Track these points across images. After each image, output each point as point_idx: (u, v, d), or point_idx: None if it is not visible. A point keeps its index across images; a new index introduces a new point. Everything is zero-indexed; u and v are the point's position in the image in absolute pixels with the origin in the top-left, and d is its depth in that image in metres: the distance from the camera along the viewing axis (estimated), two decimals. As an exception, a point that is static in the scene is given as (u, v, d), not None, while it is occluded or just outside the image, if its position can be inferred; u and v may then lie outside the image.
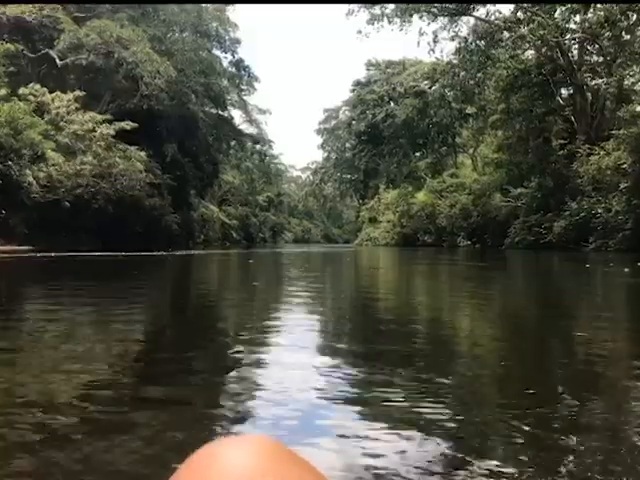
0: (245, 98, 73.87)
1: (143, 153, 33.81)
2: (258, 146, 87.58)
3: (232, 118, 68.75)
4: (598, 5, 38.73)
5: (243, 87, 67.55)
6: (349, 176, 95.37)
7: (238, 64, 60.84)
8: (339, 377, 3.92)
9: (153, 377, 4.14)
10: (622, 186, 30.98)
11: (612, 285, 13.18)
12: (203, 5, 49.73)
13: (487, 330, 6.68)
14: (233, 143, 72.48)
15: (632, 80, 39.80)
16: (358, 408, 3.28)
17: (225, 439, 0.58)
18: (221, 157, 65.89)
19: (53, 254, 22.73)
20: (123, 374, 4.15)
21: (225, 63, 59.27)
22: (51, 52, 37.17)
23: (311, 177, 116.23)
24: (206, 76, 50.70)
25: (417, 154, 76.49)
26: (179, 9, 44.96)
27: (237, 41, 56.54)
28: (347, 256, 35.52)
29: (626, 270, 15.73)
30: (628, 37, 36.11)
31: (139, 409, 3.27)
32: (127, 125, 32.22)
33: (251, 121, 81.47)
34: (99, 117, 32.53)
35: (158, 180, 37.93)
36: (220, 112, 60.89)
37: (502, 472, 2.36)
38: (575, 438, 2.76)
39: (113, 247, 27.82)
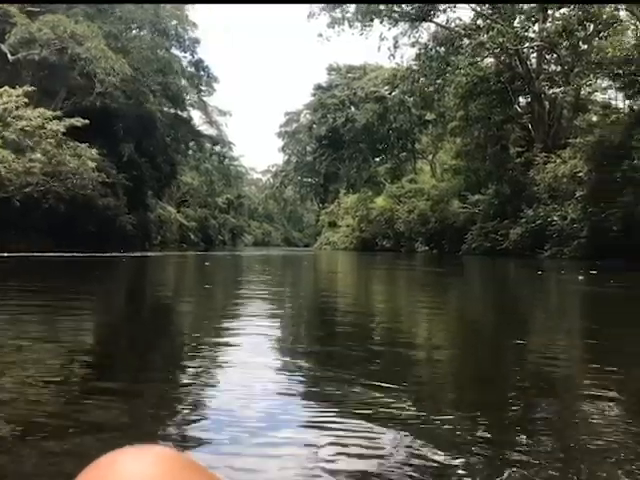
0: (205, 99, 73.18)
1: (95, 151, 32.80)
2: (218, 148, 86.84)
3: (191, 119, 67.88)
4: (556, 14, 39.22)
5: (202, 88, 66.59)
6: (309, 180, 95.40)
7: (197, 64, 59.92)
8: (294, 377, 4.05)
9: (107, 378, 4.14)
10: (578, 194, 31.20)
11: (560, 292, 13.17)
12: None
13: (440, 335, 6.73)
14: (192, 144, 71.54)
15: (589, 90, 40.31)
16: (314, 409, 3.31)
17: (124, 449, 0.59)
18: (179, 158, 64.93)
19: (6, 254, 22.09)
20: (72, 377, 4.08)
21: (184, 63, 58.52)
22: (2, 46, 36.09)
23: (271, 180, 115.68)
24: (164, 75, 49.63)
25: (377, 159, 76.74)
26: (135, 6, 44.10)
27: (196, 41, 55.75)
28: (305, 260, 35.30)
29: (580, 278, 15.74)
30: (585, 47, 36.50)
31: (88, 413, 3.21)
32: (77, 122, 31.24)
33: (211, 122, 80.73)
34: (49, 113, 31.57)
35: (112, 179, 37.03)
36: (179, 112, 59.89)
37: (452, 468, 2.45)
38: (524, 437, 2.88)
39: (65, 247, 27.18)
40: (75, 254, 24.44)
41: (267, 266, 26.25)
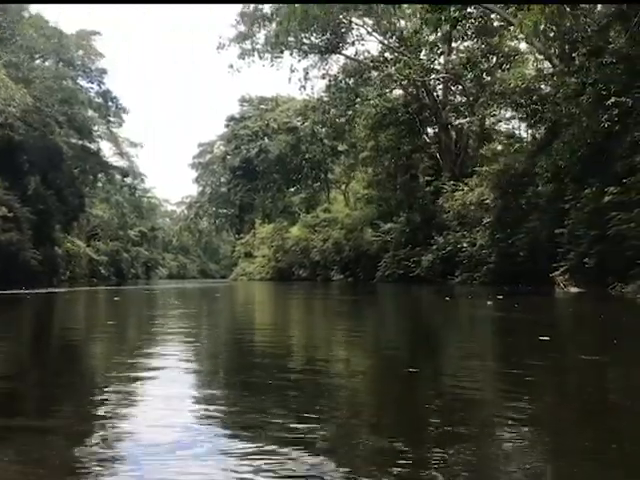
0: (115, 130, 71.68)
1: None
2: (129, 179, 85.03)
3: (99, 150, 66.05)
4: (461, 47, 40.52)
5: (111, 119, 65.15)
6: (225, 211, 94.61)
7: (105, 95, 58.61)
8: (211, 408, 4.02)
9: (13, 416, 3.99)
10: (485, 221, 31.81)
11: (464, 318, 13.28)
12: (64, 32, 47.64)
13: (353, 363, 6.70)
14: (101, 176, 69.71)
15: (493, 120, 41.64)
16: (233, 439, 3.30)
17: None
18: (88, 190, 63.12)
19: None
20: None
21: (91, 94, 57.12)
22: None
23: (186, 211, 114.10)
24: (69, 106, 48.15)
25: (292, 189, 76.92)
26: (38, 34, 42.71)
27: (103, 71, 54.76)
28: (218, 292, 34.57)
29: (489, 303, 15.91)
30: (489, 78, 37.77)
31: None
32: None
33: (122, 154, 78.93)
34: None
35: (14, 213, 35.43)
36: (86, 144, 58.16)
37: None
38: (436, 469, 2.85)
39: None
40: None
41: (179, 299, 25.53)
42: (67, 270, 57.43)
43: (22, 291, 26.64)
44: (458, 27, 35.21)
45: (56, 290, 32.09)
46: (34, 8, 43.83)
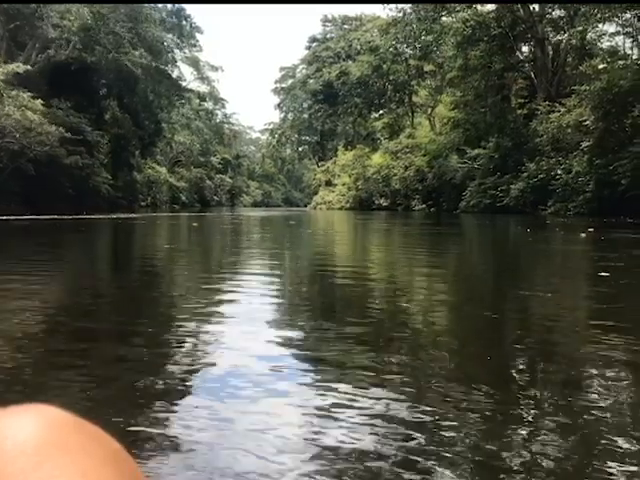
0: (196, 54, 70.27)
1: (39, 101, 29.62)
2: (209, 105, 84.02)
3: (179, 73, 64.59)
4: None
5: (184, 39, 62.72)
6: (307, 138, 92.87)
7: (179, 13, 56.52)
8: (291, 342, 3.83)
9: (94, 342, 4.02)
10: (583, 145, 29.30)
11: (532, 252, 11.84)
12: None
13: (438, 300, 6.17)
14: (178, 101, 68.44)
15: (594, 36, 37.76)
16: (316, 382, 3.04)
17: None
18: (164, 115, 62.06)
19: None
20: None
21: (164, 14, 55.11)
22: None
23: (269, 138, 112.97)
24: (136, 22, 45.68)
25: (375, 114, 73.70)
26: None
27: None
28: (294, 219, 33.56)
29: (582, 235, 14.31)
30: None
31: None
32: (17, 67, 28.22)
33: (202, 79, 77.87)
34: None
35: (83, 136, 34.53)
36: (161, 66, 56.36)
37: (455, 441, 2.29)
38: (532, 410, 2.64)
39: (38, 210, 25.26)
40: (48, 217, 22.79)
41: (255, 227, 25.00)
42: (148, 196, 57.82)
43: (95, 216, 26.08)
44: None
45: (135, 215, 31.81)
46: None
